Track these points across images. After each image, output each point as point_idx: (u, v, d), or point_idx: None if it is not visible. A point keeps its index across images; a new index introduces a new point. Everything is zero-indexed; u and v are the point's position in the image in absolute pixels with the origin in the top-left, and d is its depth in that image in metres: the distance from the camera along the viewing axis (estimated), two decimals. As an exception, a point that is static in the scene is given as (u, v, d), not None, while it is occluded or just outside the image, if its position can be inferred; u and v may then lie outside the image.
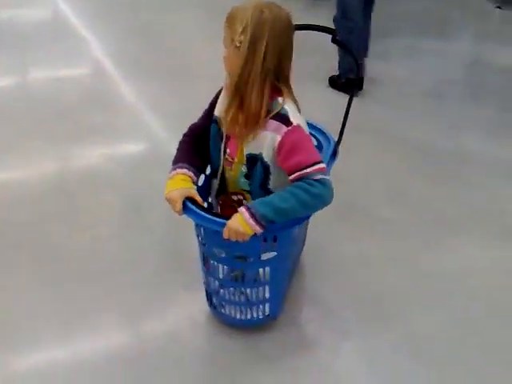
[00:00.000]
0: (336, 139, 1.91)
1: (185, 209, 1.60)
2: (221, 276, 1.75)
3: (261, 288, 1.76)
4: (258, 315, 1.83)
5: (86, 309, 1.92)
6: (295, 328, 1.90)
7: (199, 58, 3.77)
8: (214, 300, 1.86)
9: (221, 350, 1.80)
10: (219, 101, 1.70)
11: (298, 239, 1.90)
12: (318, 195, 1.50)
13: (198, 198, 1.62)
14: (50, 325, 1.85)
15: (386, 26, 4.21)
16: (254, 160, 1.63)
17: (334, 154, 1.87)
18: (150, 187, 2.41)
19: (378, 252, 2.24)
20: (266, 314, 1.84)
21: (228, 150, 1.70)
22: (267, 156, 1.60)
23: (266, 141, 1.57)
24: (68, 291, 1.99)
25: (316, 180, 1.50)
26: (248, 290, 1.78)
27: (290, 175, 1.55)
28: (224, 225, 1.52)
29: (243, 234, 1.50)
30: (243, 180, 1.71)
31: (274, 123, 1.56)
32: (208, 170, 1.82)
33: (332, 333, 1.88)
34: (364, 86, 3.40)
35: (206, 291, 1.87)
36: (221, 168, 1.73)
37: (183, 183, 1.64)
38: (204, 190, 1.81)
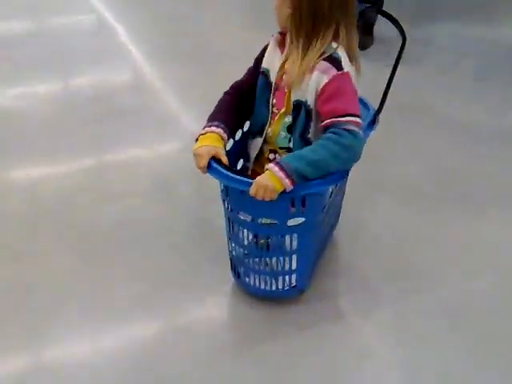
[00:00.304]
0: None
1: (209, 168, 1.54)
2: (246, 242, 1.69)
3: (287, 258, 1.68)
4: (283, 286, 1.75)
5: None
6: (325, 300, 1.81)
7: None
8: (239, 269, 1.79)
9: (245, 319, 1.74)
10: (267, 54, 1.66)
11: (331, 206, 1.80)
12: (348, 146, 1.43)
13: (224, 158, 1.57)
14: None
15: (430, 9, 4.08)
16: (298, 107, 1.57)
17: (373, 122, 1.78)
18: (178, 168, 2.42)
19: (418, 227, 2.14)
20: (293, 285, 1.76)
21: (275, 101, 1.65)
22: (311, 99, 1.54)
23: (312, 82, 1.51)
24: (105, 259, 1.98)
25: (347, 130, 1.44)
26: (274, 260, 1.70)
27: (322, 121, 1.50)
28: (250, 184, 1.45)
29: (272, 191, 1.42)
30: (284, 134, 1.65)
31: (324, 64, 1.50)
32: (245, 129, 1.78)
33: (365, 302, 1.79)
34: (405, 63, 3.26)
35: (231, 260, 1.81)
36: (269, 121, 1.67)
37: (213, 141, 1.59)
38: (234, 154, 1.76)
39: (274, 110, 1.65)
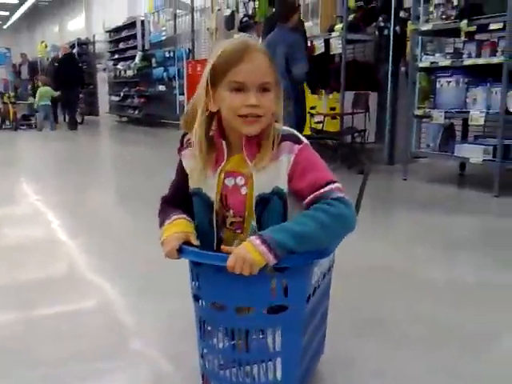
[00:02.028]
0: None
1: (181, 251, 1.39)
2: (221, 345, 1.44)
3: (271, 362, 1.43)
4: None
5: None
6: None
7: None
8: None
9: None
10: (191, 172, 1.51)
11: (317, 309, 1.59)
12: (339, 216, 1.33)
13: (196, 242, 1.43)
14: None
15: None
16: (265, 201, 1.43)
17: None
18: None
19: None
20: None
21: (231, 211, 1.49)
22: (283, 184, 1.42)
23: (282, 167, 1.41)
24: None
25: (334, 199, 1.34)
26: (255, 369, 1.43)
27: (304, 198, 1.38)
28: (226, 258, 1.30)
29: (252, 264, 1.27)
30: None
31: (286, 144, 1.42)
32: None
33: None
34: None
35: (202, 376, 1.55)
36: (216, 239, 1.51)
37: (183, 227, 1.46)
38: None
39: (235, 219, 1.49)
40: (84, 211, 4.44)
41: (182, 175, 1.55)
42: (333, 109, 6.76)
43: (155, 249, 1.53)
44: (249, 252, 1.28)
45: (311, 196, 1.37)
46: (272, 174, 1.42)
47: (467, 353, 1.99)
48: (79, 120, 13.22)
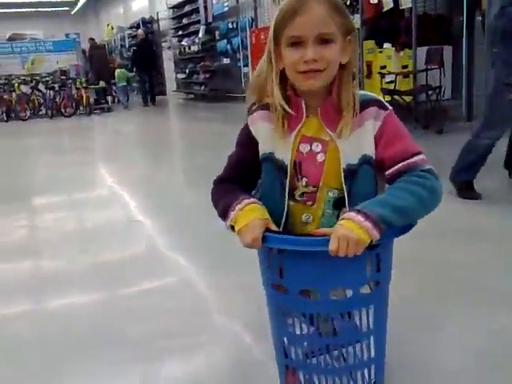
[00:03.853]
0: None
1: (266, 239, 1.26)
2: (305, 332, 1.35)
3: (364, 342, 1.35)
4: None
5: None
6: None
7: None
8: (301, 377, 1.41)
9: None
10: (263, 136, 1.40)
11: None
12: (434, 189, 1.25)
13: (276, 229, 1.32)
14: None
15: None
16: (353, 172, 1.32)
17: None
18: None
19: None
20: (373, 380, 1.40)
21: (304, 180, 1.37)
22: (371, 151, 1.32)
23: (368, 134, 1.31)
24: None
25: (425, 171, 1.26)
26: (348, 350, 1.36)
27: (391, 166, 1.29)
28: (327, 241, 1.18)
29: (357, 243, 1.17)
30: (330, 212, 1.37)
31: (372, 110, 1.32)
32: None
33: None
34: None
35: (287, 367, 1.44)
36: (286, 209, 1.38)
37: (260, 213, 1.31)
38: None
39: (307, 189, 1.37)
40: (159, 191, 4.51)
41: (247, 144, 1.43)
42: (405, 67, 6.47)
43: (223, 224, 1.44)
44: (351, 230, 1.17)
45: (399, 165, 1.28)
46: (358, 142, 1.32)
47: None
48: (151, 103, 13.97)
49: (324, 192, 1.37)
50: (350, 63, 1.32)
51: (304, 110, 1.35)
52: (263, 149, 1.40)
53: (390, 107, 1.34)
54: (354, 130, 1.32)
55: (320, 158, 1.36)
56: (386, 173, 1.31)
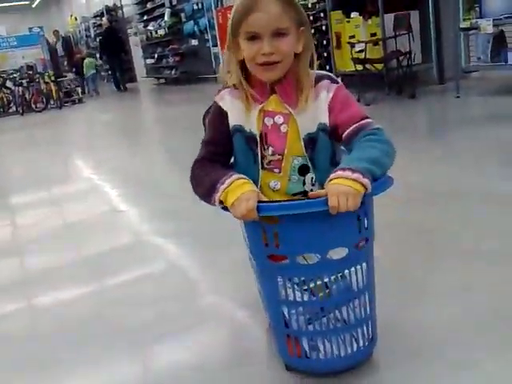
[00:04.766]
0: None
1: (262, 208, 1.31)
2: (305, 298, 1.40)
3: (360, 300, 1.42)
4: (364, 342, 1.45)
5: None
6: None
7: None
8: (305, 344, 1.46)
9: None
10: (231, 112, 1.51)
11: None
12: (388, 142, 1.40)
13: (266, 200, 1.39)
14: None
15: None
16: (313, 140, 1.47)
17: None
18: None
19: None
20: (370, 336, 1.48)
21: (270, 149, 1.50)
22: (326, 118, 1.46)
23: (322, 103, 1.46)
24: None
25: (378, 128, 1.40)
26: (345, 310, 1.42)
27: (346, 128, 1.42)
28: (325, 201, 1.25)
29: (354, 195, 1.25)
30: (296, 178, 1.51)
31: (324, 83, 1.48)
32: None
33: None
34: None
35: (288, 341, 1.47)
36: (260, 174, 1.51)
37: (251, 186, 1.39)
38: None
39: (273, 157, 1.50)
40: (139, 178, 4.51)
41: (218, 121, 1.53)
42: (373, 34, 6.48)
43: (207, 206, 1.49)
44: (345, 185, 1.25)
45: (353, 126, 1.42)
46: (314, 112, 1.46)
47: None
48: (123, 88, 14.37)
49: (289, 159, 1.50)
50: (304, 51, 1.46)
51: (268, 91, 1.48)
52: (233, 120, 1.51)
53: (341, 82, 1.50)
54: (311, 102, 1.46)
55: (283, 128, 1.49)
56: (343, 135, 1.43)
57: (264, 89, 1.49)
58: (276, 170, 1.51)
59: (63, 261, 2.84)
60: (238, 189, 1.36)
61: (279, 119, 1.49)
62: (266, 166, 1.52)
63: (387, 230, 2.04)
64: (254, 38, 1.39)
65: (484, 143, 3.77)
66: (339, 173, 1.29)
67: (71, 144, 7.44)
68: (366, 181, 1.26)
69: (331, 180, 1.29)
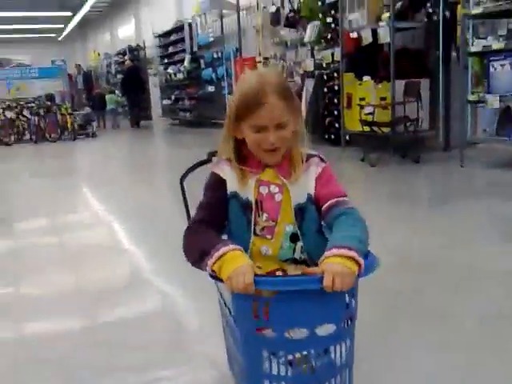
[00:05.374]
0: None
1: (259, 283, 1.33)
2: (289, 374, 1.41)
3: (342, 376, 1.45)
4: None
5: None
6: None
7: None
8: None
9: None
10: (229, 181, 1.60)
11: None
12: (363, 220, 1.49)
13: (259, 273, 1.43)
14: None
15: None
16: (302, 210, 1.58)
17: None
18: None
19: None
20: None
21: (265, 216, 1.58)
22: (312, 191, 1.59)
23: (311, 176, 1.59)
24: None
25: (351, 207, 1.52)
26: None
27: (326, 202, 1.55)
28: (320, 279, 1.29)
29: (349, 274, 1.30)
30: (287, 245, 1.59)
31: (315, 160, 1.63)
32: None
33: None
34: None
35: None
36: (252, 241, 1.57)
37: (246, 259, 1.40)
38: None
39: (267, 223, 1.58)
40: (143, 216, 4.58)
41: (216, 187, 1.60)
42: (383, 99, 6.66)
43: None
44: (340, 264, 1.30)
45: (333, 200, 1.55)
46: (304, 184, 1.59)
47: None
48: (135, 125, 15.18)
49: (282, 226, 1.59)
50: (296, 132, 1.59)
51: (263, 165, 1.61)
52: (230, 187, 1.60)
53: (327, 162, 1.64)
54: (302, 174, 1.59)
55: (278, 197, 1.60)
56: (323, 207, 1.56)
57: (259, 163, 1.60)
58: (268, 236, 1.58)
59: (55, 292, 2.89)
60: (233, 261, 1.36)
61: (274, 189, 1.59)
62: (258, 232, 1.58)
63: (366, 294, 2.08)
64: (259, 129, 1.52)
65: (481, 217, 3.84)
66: (334, 251, 1.32)
67: (79, 175, 7.57)
68: (361, 260, 1.31)
69: (327, 258, 1.33)
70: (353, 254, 1.31)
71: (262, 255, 1.58)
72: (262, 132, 1.52)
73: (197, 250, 1.46)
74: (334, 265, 1.29)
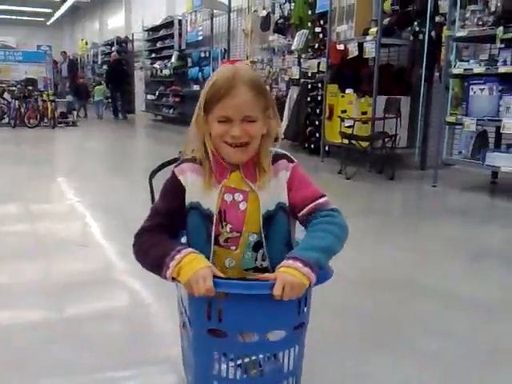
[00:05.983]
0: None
1: (218, 284, 1.34)
2: (238, 377, 1.43)
3: (288, 382, 1.47)
4: None
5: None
6: None
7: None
8: None
9: None
10: (190, 187, 1.52)
11: None
12: (342, 224, 1.46)
13: (222, 275, 1.40)
14: None
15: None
16: (271, 217, 1.51)
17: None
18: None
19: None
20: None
21: (229, 227, 1.52)
22: (285, 198, 1.53)
23: (281, 183, 1.53)
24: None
25: (333, 209, 1.48)
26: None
27: (303, 207, 1.50)
28: (272, 285, 1.31)
29: (299, 287, 1.32)
30: (250, 255, 1.54)
31: (283, 162, 1.55)
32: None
33: None
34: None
35: None
36: (213, 251, 1.52)
37: (204, 261, 1.40)
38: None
39: (231, 234, 1.52)
40: (116, 209, 4.53)
41: (174, 194, 1.53)
42: (364, 113, 6.73)
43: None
44: (294, 276, 1.31)
45: (310, 206, 1.49)
46: (274, 190, 1.52)
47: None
48: (122, 117, 15.41)
49: (246, 236, 1.53)
50: (268, 132, 1.53)
51: (229, 169, 1.53)
52: (190, 197, 1.53)
53: (296, 160, 1.57)
54: (271, 179, 1.52)
55: (242, 206, 1.53)
56: (299, 214, 1.51)
57: (224, 168, 1.53)
58: (233, 248, 1.53)
59: (23, 282, 2.84)
60: (190, 265, 1.36)
61: (239, 197, 1.52)
62: (222, 243, 1.53)
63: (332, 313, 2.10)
64: (225, 120, 1.46)
65: (449, 237, 3.90)
66: (290, 262, 1.34)
67: (54, 164, 7.48)
68: (313, 276, 1.33)
69: (282, 267, 1.34)
70: (306, 270, 1.32)
71: (226, 267, 1.53)
72: (227, 123, 1.45)
73: (153, 259, 1.44)
74: (287, 275, 1.32)
